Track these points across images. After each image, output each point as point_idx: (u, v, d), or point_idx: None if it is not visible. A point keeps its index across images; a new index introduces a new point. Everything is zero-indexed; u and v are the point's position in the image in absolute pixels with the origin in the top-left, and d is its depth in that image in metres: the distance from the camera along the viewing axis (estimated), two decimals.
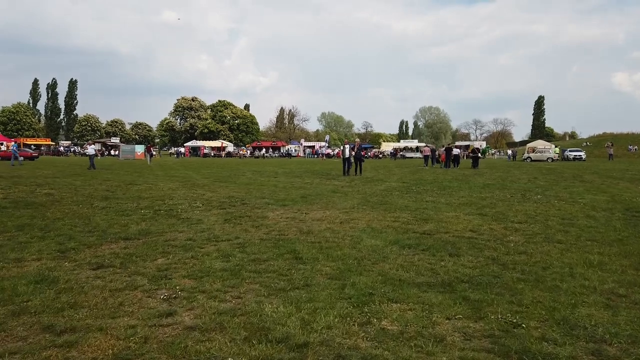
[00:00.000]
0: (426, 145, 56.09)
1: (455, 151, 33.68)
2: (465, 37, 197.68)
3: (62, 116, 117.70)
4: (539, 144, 61.47)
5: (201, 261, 5.06)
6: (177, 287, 4.13)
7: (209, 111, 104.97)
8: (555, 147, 60.93)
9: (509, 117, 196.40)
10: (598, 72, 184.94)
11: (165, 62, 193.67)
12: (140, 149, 62.18)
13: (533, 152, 55.10)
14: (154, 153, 78.59)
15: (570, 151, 58.17)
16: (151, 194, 12.40)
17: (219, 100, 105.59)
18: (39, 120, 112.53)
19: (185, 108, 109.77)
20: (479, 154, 34.58)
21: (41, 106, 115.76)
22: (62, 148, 72.06)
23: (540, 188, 14.72)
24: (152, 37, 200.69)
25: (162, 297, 3.88)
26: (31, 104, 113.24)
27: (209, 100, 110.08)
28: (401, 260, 5.15)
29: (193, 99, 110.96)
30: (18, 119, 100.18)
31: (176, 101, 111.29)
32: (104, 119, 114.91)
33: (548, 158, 51.12)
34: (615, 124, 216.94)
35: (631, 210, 9.38)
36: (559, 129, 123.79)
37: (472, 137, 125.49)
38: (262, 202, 10.69)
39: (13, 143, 44.69)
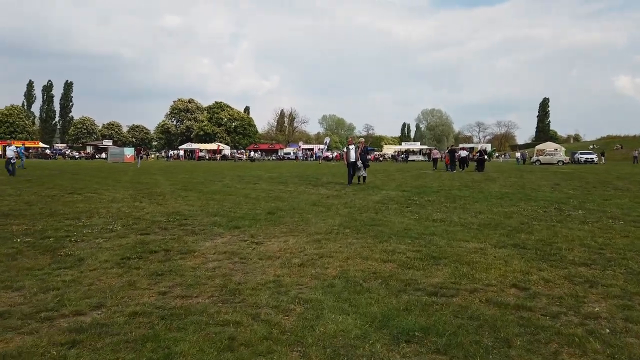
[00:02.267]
0: (435, 148, 53.56)
1: (463, 153, 31.42)
2: (466, 41, 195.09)
3: (57, 119, 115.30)
4: (548, 146, 58.57)
5: None
6: None
7: (205, 113, 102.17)
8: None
9: (512, 120, 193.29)
10: (600, 75, 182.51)
11: (167, 66, 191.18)
12: (129, 151, 59.38)
13: (542, 154, 52.16)
14: (152, 155, 76.40)
15: (581, 154, 55.29)
16: (74, 208, 9.53)
17: (216, 102, 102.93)
18: (33, 123, 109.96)
19: (181, 110, 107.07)
20: (485, 156, 32.59)
21: (36, 109, 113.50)
22: (48, 151, 69.28)
23: (574, 199, 11.80)
24: (155, 41, 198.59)
25: None
26: (25, 106, 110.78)
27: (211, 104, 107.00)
28: None
29: (190, 101, 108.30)
30: (11, 121, 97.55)
31: (172, 103, 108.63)
32: (105, 122, 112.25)
33: (559, 161, 48.15)
34: (618, 126, 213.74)
35: None
36: (561, 132, 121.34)
37: (475, 139, 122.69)
38: (210, 222, 7.81)
39: (21, 145, 42.68)
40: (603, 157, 52.72)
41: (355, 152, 17.06)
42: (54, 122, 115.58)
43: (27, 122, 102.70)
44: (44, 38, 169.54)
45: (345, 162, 17.47)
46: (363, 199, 11.83)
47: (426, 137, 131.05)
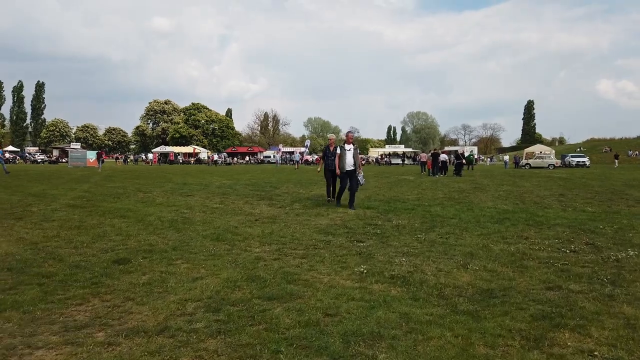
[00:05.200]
0: (423, 152, 50.71)
1: (443, 157, 29.30)
2: (454, 44, 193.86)
3: (28, 121, 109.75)
4: (537, 148, 55.73)
5: None
6: None
7: (181, 114, 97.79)
8: None
9: (498, 123, 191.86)
10: (584, 79, 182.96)
11: (155, 68, 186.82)
12: (92, 155, 54.98)
13: (532, 157, 49.20)
14: (128, 159, 72.14)
15: (572, 157, 52.59)
16: None
17: (192, 103, 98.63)
18: (3, 125, 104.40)
19: (157, 111, 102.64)
20: (463, 160, 30.49)
21: (6, 111, 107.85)
22: (7, 154, 64.39)
23: (601, 222, 8.33)
24: (144, 43, 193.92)
25: None
26: None
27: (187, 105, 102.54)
28: None
29: (166, 102, 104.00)
30: None
31: (148, 104, 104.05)
32: (80, 124, 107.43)
33: (549, 165, 45.22)
34: (599, 130, 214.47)
35: None
36: (546, 135, 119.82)
37: (461, 142, 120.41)
38: None
39: None
40: (616, 160, 49.45)
41: (355, 156, 10.83)
42: (25, 124, 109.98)
43: None
44: (29, 40, 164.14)
45: (337, 170, 10.83)
46: (304, 224, 8.21)
47: (412, 140, 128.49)
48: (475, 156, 46.96)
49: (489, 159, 79.70)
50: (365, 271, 4.87)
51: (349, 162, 10.68)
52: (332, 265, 5.16)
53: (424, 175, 28.16)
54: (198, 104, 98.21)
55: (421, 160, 34.61)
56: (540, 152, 52.24)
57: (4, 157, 34.17)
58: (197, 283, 4.41)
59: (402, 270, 4.93)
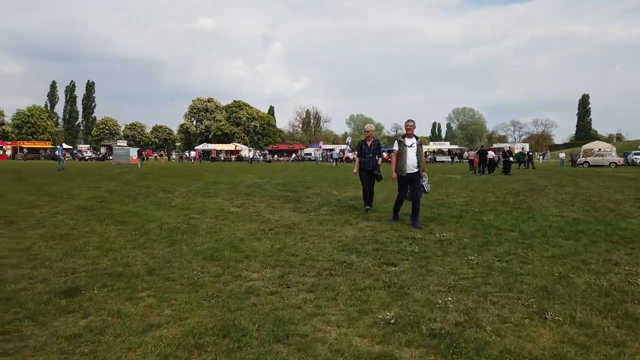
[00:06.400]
0: (471, 149, 48.26)
1: (490, 154, 27.25)
2: (501, 39, 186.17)
3: (80, 119, 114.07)
4: (596, 145, 51.46)
5: None
6: None
7: (223, 112, 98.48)
8: None
9: (549, 118, 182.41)
10: None
11: (201, 68, 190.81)
12: (135, 153, 55.81)
13: (591, 155, 45.41)
14: (163, 156, 73.56)
15: (635, 154, 48.24)
16: None
17: (234, 101, 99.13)
18: (57, 124, 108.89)
19: (200, 109, 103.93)
20: (511, 158, 28.20)
21: (60, 110, 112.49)
22: (57, 152, 66.65)
23: None
24: (189, 44, 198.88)
25: None
26: (48, 107, 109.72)
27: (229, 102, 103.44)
28: None
29: (209, 100, 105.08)
30: (32, 122, 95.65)
31: (191, 102, 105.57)
32: (128, 122, 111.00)
33: (611, 163, 41.52)
34: None
35: None
36: (602, 131, 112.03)
37: (510, 139, 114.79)
38: None
39: (59, 147, 42.07)
40: None
41: (419, 153, 7.97)
42: (77, 122, 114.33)
43: (48, 122, 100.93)
44: (82, 43, 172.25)
45: (394, 174, 8.06)
46: (325, 236, 6.75)
47: (457, 136, 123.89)
48: (530, 153, 43.67)
49: (541, 156, 75.15)
50: (394, 321, 3.36)
51: (412, 163, 7.86)
52: (346, 307, 3.68)
53: (472, 174, 26.13)
54: (239, 101, 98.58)
55: (469, 158, 32.64)
56: (600, 149, 48.14)
57: (62, 154, 34.42)
58: (145, 337, 3.06)
59: (447, 320, 3.38)
